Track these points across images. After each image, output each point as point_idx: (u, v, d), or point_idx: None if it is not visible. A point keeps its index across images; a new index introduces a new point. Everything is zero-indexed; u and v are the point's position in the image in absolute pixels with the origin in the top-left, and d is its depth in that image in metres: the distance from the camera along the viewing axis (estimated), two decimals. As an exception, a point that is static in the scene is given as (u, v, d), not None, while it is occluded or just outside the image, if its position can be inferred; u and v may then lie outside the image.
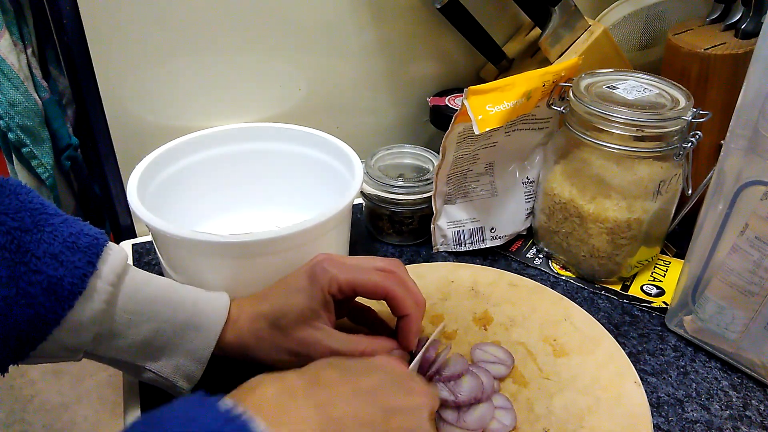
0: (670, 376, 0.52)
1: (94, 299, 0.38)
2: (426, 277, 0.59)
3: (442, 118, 0.71)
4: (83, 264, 0.38)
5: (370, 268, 0.44)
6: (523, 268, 0.63)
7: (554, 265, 0.64)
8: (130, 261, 0.63)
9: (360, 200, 0.67)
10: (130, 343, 0.40)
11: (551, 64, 0.67)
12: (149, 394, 0.48)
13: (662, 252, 0.65)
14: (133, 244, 0.66)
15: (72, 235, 0.38)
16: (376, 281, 0.43)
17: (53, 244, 0.37)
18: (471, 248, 0.64)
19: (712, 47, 0.60)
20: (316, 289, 0.42)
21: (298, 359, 0.42)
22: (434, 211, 0.63)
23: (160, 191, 0.58)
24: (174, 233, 0.47)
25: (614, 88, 0.57)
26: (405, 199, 0.62)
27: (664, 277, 0.62)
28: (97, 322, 0.38)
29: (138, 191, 0.52)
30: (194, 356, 0.42)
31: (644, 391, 0.48)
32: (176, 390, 0.43)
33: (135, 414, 0.47)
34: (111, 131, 0.63)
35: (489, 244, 0.65)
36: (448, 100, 0.72)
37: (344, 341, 0.42)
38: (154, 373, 0.42)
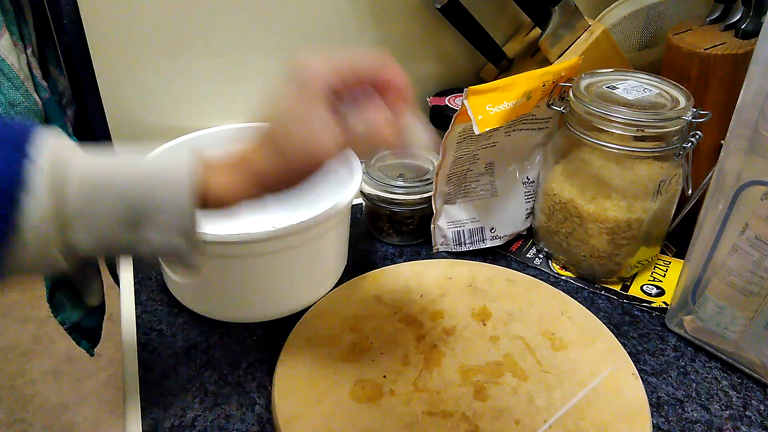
0: (670, 376, 0.52)
1: (39, 197, 0.33)
2: (424, 274, 0.59)
3: (442, 118, 0.71)
4: (15, 156, 0.33)
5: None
6: (523, 268, 0.63)
7: (554, 265, 0.64)
8: (130, 261, 0.63)
9: (360, 200, 0.67)
10: (110, 229, 0.36)
11: (551, 64, 0.67)
12: (150, 394, 0.48)
13: (662, 252, 0.65)
14: (133, 244, 0.66)
15: None
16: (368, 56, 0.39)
17: None
18: (471, 248, 0.64)
19: (712, 47, 0.60)
20: (313, 97, 0.38)
21: (307, 174, 0.40)
22: (434, 211, 0.63)
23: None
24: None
25: (614, 88, 0.57)
26: (405, 199, 0.63)
27: (664, 277, 0.62)
28: (51, 224, 0.34)
29: None
30: (180, 213, 0.37)
31: (642, 383, 0.48)
32: (181, 255, 0.39)
33: (135, 414, 0.47)
34: (111, 131, 0.63)
35: (489, 244, 0.65)
36: (448, 100, 0.72)
37: (347, 128, 0.39)
38: (149, 246, 0.38)
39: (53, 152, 0.35)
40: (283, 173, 0.40)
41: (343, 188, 0.53)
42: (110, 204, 0.36)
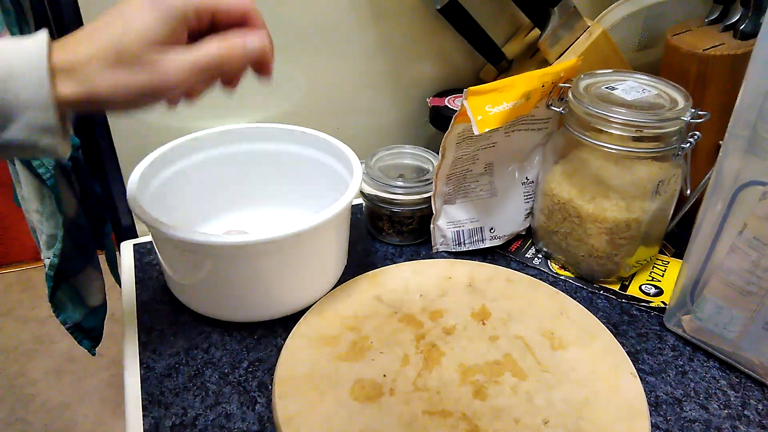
0: (669, 376, 0.52)
1: None
2: (424, 273, 0.59)
3: (441, 118, 0.71)
4: None
5: None
6: (523, 268, 0.63)
7: (553, 265, 0.64)
8: (131, 261, 0.64)
9: (360, 200, 0.67)
10: None
11: (550, 64, 0.68)
12: (150, 394, 0.49)
13: (661, 252, 0.65)
14: (134, 244, 0.66)
15: None
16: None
17: None
18: (470, 248, 0.65)
19: (711, 48, 0.60)
20: (165, 10, 0.36)
21: (152, 98, 0.37)
22: (434, 212, 0.63)
23: (160, 191, 0.58)
24: (172, 234, 0.47)
25: (613, 88, 0.57)
26: (405, 200, 0.63)
27: (662, 276, 0.62)
28: None
29: (138, 191, 0.52)
30: (37, 104, 0.35)
31: (640, 383, 0.48)
32: (49, 153, 0.37)
33: (136, 413, 0.47)
34: (112, 131, 0.64)
35: (488, 244, 0.65)
36: (448, 100, 0.72)
37: (198, 48, 0.37)
38: (13, 144, 0.35)
39: None
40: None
41: (343, 188, 0.54)
42: None
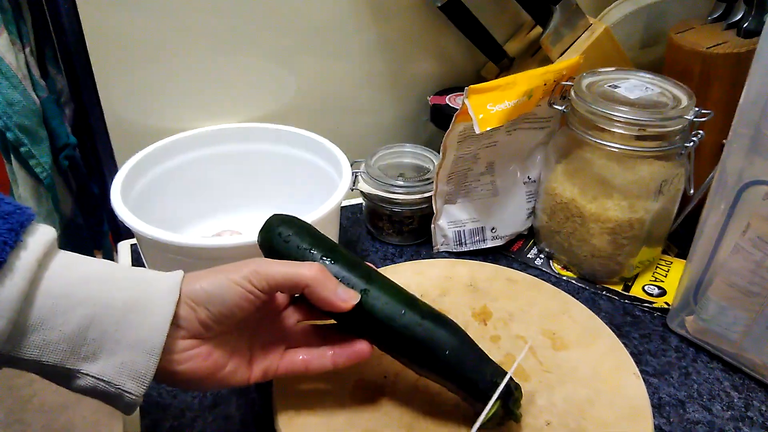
0: (672, 377, 0.51)
1: (15, 275, 0.30)
2: (424, 273, 0.59)
3: (442, 117, 0.71)
4: (3, 231, 0.31)
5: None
6: (524, 269, 0.63)
7: (555, 265, 0.63)
8: (128, 261, 0.63)
9: (358, 200, 0.67)
10: (59, 337, 0.32)
11: (552, 62, 0.67)
12: (148, 395, 0.48)
13: (664, 252, 0.65)
14: (131, 244, 0.66)
15: None
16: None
17: None
18: (472, 248, 0.64)
19: (714, 46, 0.59)
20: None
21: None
22: (435, 211, 0.63)
23: (147, 191, 0.57)
24: (153, 236, 0.46)
25: (616, 87, 0.57)
26: (405, 199, 0.62)
27: (665, 277, 0.62)
28: (14, 307, 0.30)
29: (123, 191, 0.51)
30: (144, 347, 0.33)
31: (644, 383, 0.48)
32: (122, 400, 0.34)
33: (133, 416, 0.47)
34: (109, 130, 0.63)
35: (490, 244, 0.65)
36: (449, 99, 0.72)
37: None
38: (92, 377, 0.33)
39: (45, 240, 0.32)
40: None
41: (332, 190, 0.53)
42: (72, 313, 0.32)
